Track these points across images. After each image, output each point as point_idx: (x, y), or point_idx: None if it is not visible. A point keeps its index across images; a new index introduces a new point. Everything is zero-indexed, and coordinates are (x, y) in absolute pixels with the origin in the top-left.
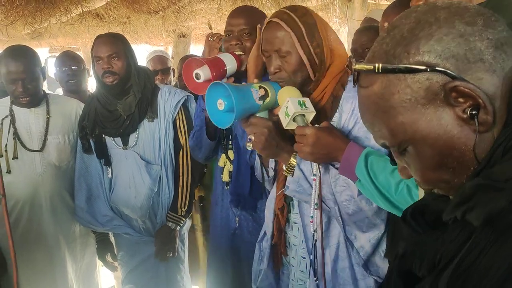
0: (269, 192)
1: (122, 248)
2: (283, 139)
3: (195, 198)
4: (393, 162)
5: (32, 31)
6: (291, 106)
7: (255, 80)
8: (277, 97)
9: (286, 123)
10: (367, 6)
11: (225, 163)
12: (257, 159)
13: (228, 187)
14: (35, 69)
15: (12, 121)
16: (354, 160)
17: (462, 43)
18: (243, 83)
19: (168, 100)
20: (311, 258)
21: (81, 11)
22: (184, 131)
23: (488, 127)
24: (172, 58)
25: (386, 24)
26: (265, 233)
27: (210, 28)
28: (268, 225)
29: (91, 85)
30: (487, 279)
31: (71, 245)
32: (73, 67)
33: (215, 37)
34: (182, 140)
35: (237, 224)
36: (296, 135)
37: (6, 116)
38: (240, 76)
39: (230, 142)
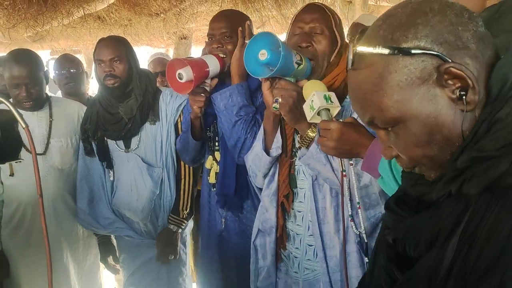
0: (260, 190)
1: (124, 250)
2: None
3: None
4: None
5: (34, 34)
6: (317, 99)
7: None
8: (308, 68)
9: (311, 116)
10: (368, 7)
11: (211, 165)
12: (261, 135)
13: (214, 188)
14: (39, 73)
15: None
16: (377, 158)
17: (453, 31)
18: None
19: (170, 103)
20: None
21: (83, 14)
22: None
23: (475, 106)
24: None
25: None
26: (259, 231)
27: None
28: (268, 218)
29: (92, 88)
30: (494, 237)
31: (74, 247)
32: (71, 70)
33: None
34: None
35: (223, 226)
36: (321, 129)
37: None
38: (223, 77)
39: (216, 144)
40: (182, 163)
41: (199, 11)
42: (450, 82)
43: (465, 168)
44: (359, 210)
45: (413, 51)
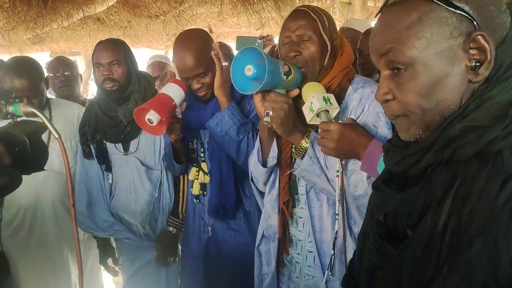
0: (262, 195)
1: (123, 253)
2: (298, 119)
3: None
4: None
5: (34, 36)
6: (316, 101)
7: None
8: (298, 78)
9: (310, 118)
10: (367, 9)
11: (195, 177)
12: (258, 146)
13: (198, 200)
14: (40, 84)
15: None
16: (377, 157)
17: (492, 11)
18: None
19: None
20: (332, 252)
21: (83, 16)
22: None
23: (481, 80)
24: (173, 62)
25: None
26: (263, 236)
27: (211, 32)
28: (271, 224)
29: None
30: (485, 195)
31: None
32: (65, 73)
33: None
34: None
35: (210, 234)
36: (320, 130)
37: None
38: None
39: (202, 155)
40: None
41: (198, 13)
42: (472, 51)
43: (457, 137)
44: (356, 219)
45: (457, 10)
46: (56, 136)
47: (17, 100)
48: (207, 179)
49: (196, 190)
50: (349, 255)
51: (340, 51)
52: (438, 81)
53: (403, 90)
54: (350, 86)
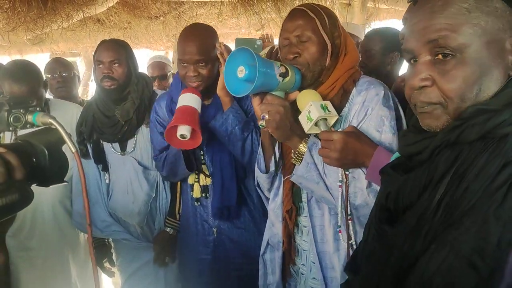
0: (267, 199)
1: (121, 253)
2: (296, 122)
3: None
4: None
5: (34, 37)
6: (315, 110)
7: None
8: (296, 80)
9: (309, 127)
10: (367, 10)
11: (195, 180)
12: (260, 151)
13: (198, 203)
14: (39, 89)
15: (14, 131)
16: (383, 165)
17: None
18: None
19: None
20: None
21: (83, 17)
22: None
23: None
24: (173, 62)
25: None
26: (268, 244)
27: None
28: (275, 233)
29: (92, 91)
30: (482, 174)
31: (75, 250)
32: (63, 74)
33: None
34: None
35: (215, 235)
36: (322, 140)
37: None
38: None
39: (202, 158)
40: None
41: (198, 13)
42: None
43: (467, 118)
44: (357, 229)
45: None
46: (73, 151)
47: (37, 109)
48: (208, 181)
49: (197, 193)
50: None
51: (343, 50)
52: (484, 71)
53: (448, 77)
54: (354, 88)
